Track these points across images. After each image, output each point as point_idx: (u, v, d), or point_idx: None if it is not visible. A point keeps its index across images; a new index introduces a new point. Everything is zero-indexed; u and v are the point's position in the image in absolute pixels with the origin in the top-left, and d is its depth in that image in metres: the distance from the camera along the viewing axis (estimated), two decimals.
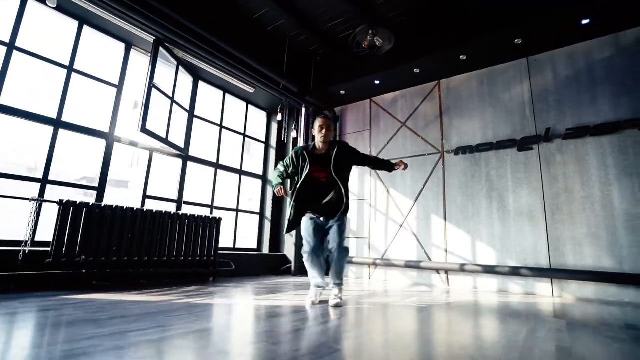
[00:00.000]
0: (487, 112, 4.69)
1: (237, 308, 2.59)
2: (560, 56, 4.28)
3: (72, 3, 3.48)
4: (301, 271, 5.38)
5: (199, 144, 5.07)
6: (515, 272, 3.98)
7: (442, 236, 4.69)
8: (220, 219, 4.52)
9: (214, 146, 5.31)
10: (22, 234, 2.99)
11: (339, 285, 2.79)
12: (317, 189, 2.74)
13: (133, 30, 3.92)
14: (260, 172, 6.11)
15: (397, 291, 3.86)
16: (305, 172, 2.71)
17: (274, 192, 5.88)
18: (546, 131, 4.16)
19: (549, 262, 3.87)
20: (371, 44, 3.92)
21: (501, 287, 4.15)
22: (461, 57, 4.59)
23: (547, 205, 4.02)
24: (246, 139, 5.89)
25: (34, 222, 3.01)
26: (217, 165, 5.27)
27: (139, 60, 4.41)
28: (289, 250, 5.61)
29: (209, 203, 5.07)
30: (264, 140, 6.24)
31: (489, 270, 4.15)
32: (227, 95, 5.55)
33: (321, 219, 2.79)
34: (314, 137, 2.82)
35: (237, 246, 5.41)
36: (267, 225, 5.82)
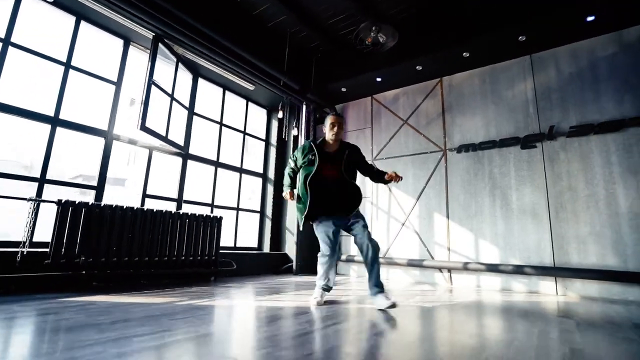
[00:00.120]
0: (489, 109, 4.65)
1: (241, 310, 2.55)
2: (564, 53, 4.24)
3: None
4: (302, 270, 5.35)
5: (199, 142, 5.01)
6: (518, 270, 3.96)
7: (445, 234, 4.66)
8: (221, 217, 4.47)
9: (214, 144, 5.25)
10: (21, 235, 2.93)
11: (382, 290, 2.61)
12: (328, 187, 2.68)
13: (132, 26, 3.84)
14: (261, 170, 6.05)
15: (400, 290, 3.83)
16: (315, 167, 2.65)
17: (276, 193, 5.85)
18: (550, 129, 4.13)
19: (552, 261, 3.86)
20: (374, 40, 3.87)
21: (504, 286, 4.13)
22: (464, 54, 4.54)
23: (550, 203, 4.00)
24: (246, 136, 5.82)
25: (32, 222, 2.94)
26: (217, 164, 5.21)
27: (138, 57, 4.33)
28: (290, 249, 5.57)
29: (210, 202, 5.02)
30: (264, 138, 6.18)
31: (493, 268, 4.13)
32: (227, 92, 5.48)
33: (336, 219, 2.71)
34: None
35: (237, 245, 5.36)
36: (268, 224, 5.77)
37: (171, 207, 4.39)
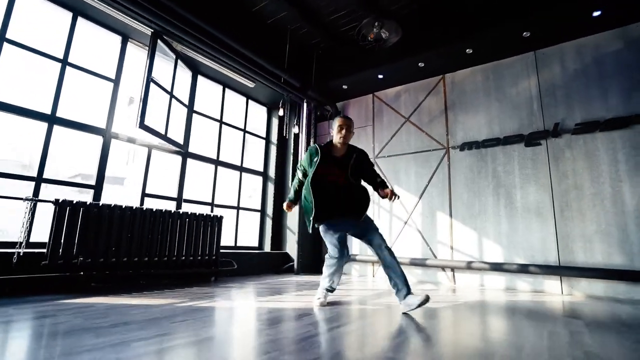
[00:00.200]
0: (493, 106, 4.59)
1: (243, 311, 2.49)
2: (569, 49, 4.18)
3: None
4: (304, 269, 5.30)
5: (198, 141, 4.94)
6: (523, 269, 3.91)
7: (448, 233, 4.61)
8: (221, 217, 4.41)
9: (214, 142, 5.19)
10: (18, 235, 2.87)
11: (409, 292, 2.46)
12: (335, 192, 2.58)
13: (130, 22, 3.77)
14: (261, 169, 5.99)
15: None
16: (318, 169, 2.56)
17: (277, 191, 5.79)
18: (554, 126, 4.08)
19: (557, 259, 3.81)
20: (377, 36, 3.80)
21: (509, 285, 4.08)
22: (467, 50, 4.48)
23: (555, 201, 3.94)
24: (247, 135, 5.76)
25: (28, 222, 2.88)
26: (217, 162, 5.14)
27: (136, 54, 4.26)
28: (291, 248, 5.52)
29: (210, 201, 4.95)
30: (264, 136, 6.12)
31: (497, 267, 4.08)
32: (226, 90, 5.41)
33: (345, 223, 2.63)
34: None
35: (238, 245, 5.31)
36: (269, 223, 5.71)
37: (171, 206, 4.33)
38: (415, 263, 4.66)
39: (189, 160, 4.68)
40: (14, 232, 3.04)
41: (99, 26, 3.86)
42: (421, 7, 4.60)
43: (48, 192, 3.19)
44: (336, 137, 2.63)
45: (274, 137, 6.05)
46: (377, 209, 5.30)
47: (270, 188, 5.87)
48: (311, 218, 2.58)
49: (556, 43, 4.24)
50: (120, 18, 3.71)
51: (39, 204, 3.07)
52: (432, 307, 2.77)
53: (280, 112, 5.32)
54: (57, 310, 2.18)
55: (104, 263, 3.17)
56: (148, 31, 3.90)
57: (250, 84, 5.25)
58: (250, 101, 5.84)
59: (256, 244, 5.66)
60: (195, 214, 4.08)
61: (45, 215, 3.14)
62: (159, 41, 3.98)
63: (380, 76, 5.24)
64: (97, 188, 3.65)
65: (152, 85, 3.84)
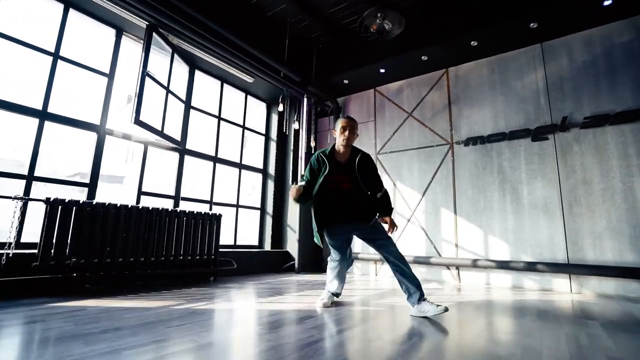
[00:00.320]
0: (498, 101, 4.47)
1: (242, 313, 2.39)
2: (576, 41, 4.06)
3: None
4: (305, 268, 5.20)
5: (196, 137, 4.82)
6: (531, 267, 3.80)
7: (452, 230, 4.50)
8: (220, 215, 4.29)
9: (212, 139, 5.06)
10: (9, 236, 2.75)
11: (423, 297, 2.32)
12: (339, 198, 2.45)
13: (124, 14, 3.65)
14: (261, 166, 5.88)
15: None
16: (323, 177, 2.44)
17: (277, 189, 5.67)
18: (562, 120, 3.96)
19: (566, 257, 3.70)
20: (380, 28, 3.67)
21: (516, 283, 3.98)
22: (472, 42, 4.35)
23: (563, 197, 3.83)
24: (246, 131, 5.64)
25: (18, 222, 2.76)
26: (215, 159, 5.02)
27: (132, 48, 4.14)
28: (291, 246, 5.41)
29: (208, 199, 4.84)
30: (264, 132, 5.99)
31: (503, 265, 3.98)
32: (225, 85, 5.29)
33: (350, 227, 2.53)
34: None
35: (237, 243, 5.20)
36: (269, 221, 5.60)
37: (168, 204, 4.21)
38: (419, 261, 4.56)
39: (187, 158, 4.56)
40: (6, 232, 2.92)
41: (92, 19, 3.72)
42: None
43: (47, 191, 3.06)
44: (339, 139, 2.49)
45: (274, 134, 5.93)
46: None
47: (270, 185, 5.76)
48: (317, 227, 2.48)
49: (564, 34, 4.11)
50: (114, 10, 3.58)
51: (32, 203, 2.95)
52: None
53: (280, 108, 5.20)
54: (47, 315, 2.07)
55: (98, 264, 3.05)
56: (143, 24, 3.78)
57: (249, 79, 5.12)
58: (249, 97, 5.72)
59: (256, 243, 5.55)
60: (193, 212, 3.97)
61: (39, 214, 3.02)
62: (154, 34, 3.85)
63: (382, 70, 5.11)
64: (92, 186, 3.53)
65: (147, 80, 3.71)
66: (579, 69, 3.98)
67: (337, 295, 2.68)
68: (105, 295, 2.78)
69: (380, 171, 5.25)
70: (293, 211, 5.51)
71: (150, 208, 3.55)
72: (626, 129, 3.61)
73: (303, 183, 2.53)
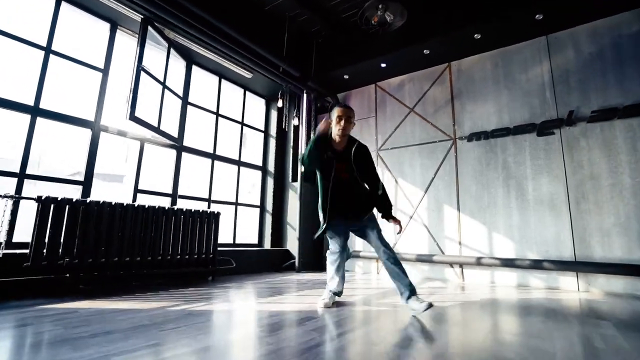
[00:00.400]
0: (502, 95, 4.37)
1: (241, 315, 2.30)
2: (583, 33, 3.95)
3: None
4: (305, 267, 5.11)
5: (194, 134, 4.73)
6: (537, 265, 3.71)
7: (456, 228, 4.41)
8: (218, 213, 4.20)
9: (210, 136, 4.97)
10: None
11: (414, 292, 2.29)
12: (341, 189, 2.43)
13: (118, 7, 3.55)
14: (260, 163, 5.78)
15: None
16: (333, 171, 2.39)
17: (276, 186, 5.58)
18: (569, 114, 3.86)
19: (573, 255, 3.61)
20: (381, 20, 3.57)
21: (521, 282, 3.89)
22: (475, 35, 4.25)
23: (570, 193, 3.74)
24: (244, 127, 5.54)
25: (9, 221, 2.68)
26: (213, 156, 4.93)
27: (127, 42, 4.03)
28: (291, 245, 5.33)
29: (206, 196, 4.75)
30: (263, 129, 5.90)
31: (508, 263, 3.89)
32: (223, 81, 5.19)
33: (347, 221, 2.50)
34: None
35: (236, 242, 5.11)
36: (269, 219, 5.52)
37: (165, 202, 4.12)
38: (422, 259, 4.47)
39: (184, 155, 4.47)
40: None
41: (85, 12, 3.62)
42: None
43: (46, 191, 2.98)
44: (335, 128, 2.43)
45: (273, 130, 5.83)
46: None
47: (270, 183, 5.67)
48: (323, 221, 2.44)
49: (570, 26, 4.00)
50: (108, 3, 3.48)
51: (23, 201, 2.86)
52: (442, 306, 2.58)
53: (279, 104, 5.10)
54: (37, 317, 1.98)
55: (92, 264, 2.97)
56: (138, 17, 3.68)
57: (248, 75, 5.02)
58: (247, 93, 5.62)
59: (255, 241, 5.47)
60: (191, 210, 3.88)
61: (31, 213, 2.93)
62: (150, 28, 3.75)
63: (383, 65, 5.01)
64: (86, 184, 3.44)
65: (143, 75, 3.62)
66: (586, 61, 3.88)
67: (338, 294, 2.61)
68: (100, 296, 2.69)
69: (381, 168, 5.16)
70: (293, 209, 5.42)
71: (146, 206, 3.46)
72: (635, 122, 3.51)
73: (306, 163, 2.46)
